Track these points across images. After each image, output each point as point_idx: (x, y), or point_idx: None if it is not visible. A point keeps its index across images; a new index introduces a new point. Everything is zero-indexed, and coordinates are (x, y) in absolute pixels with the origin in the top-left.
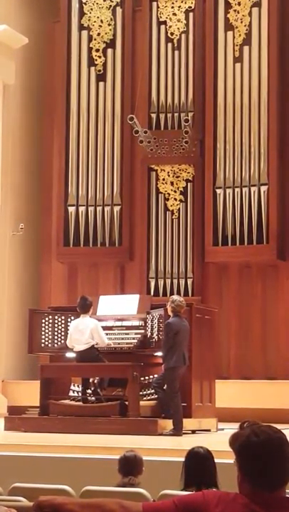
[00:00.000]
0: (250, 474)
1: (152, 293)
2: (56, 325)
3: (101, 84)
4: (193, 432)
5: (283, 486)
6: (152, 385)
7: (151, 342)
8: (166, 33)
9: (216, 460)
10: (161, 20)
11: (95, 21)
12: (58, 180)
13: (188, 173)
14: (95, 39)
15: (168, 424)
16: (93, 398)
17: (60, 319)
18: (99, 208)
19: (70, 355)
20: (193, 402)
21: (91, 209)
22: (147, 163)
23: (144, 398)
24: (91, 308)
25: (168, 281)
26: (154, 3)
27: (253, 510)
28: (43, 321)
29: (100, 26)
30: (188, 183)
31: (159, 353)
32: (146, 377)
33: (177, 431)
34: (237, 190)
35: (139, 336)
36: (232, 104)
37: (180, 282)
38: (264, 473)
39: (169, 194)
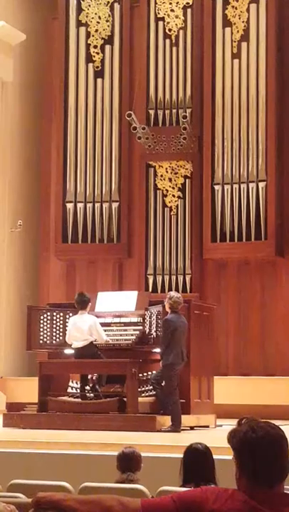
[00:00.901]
0: (248, 470)
1: (150, 289)
2: (55, 322)
3: (99, 80)
4: (192, 428)
5: (281, 482)
6: (150, 381)
7: (149, 338)
8: (164, 29)
9: (214, 456)
10: (159, 16)
11: (92, 18)
12: (56, 176)
13: (187, 169)
14: (92, 35)
15: (166, 420)
16: (92, 395)
17: (58, 316)
18: (97, 205)
19: (68, 351)
20: (192, 399)
21: (89, 206)
22: (145, 159)
23: (143, 395)
24: (89, 304)
25: (166, 277)
26: (152, 0)
27: (251, 506)
28: (42, 317)
29: (98, 23)
30: (187, 180)
31: (158, 350)
32: (145, 374)
33: (176, 427)
34: (235, 186)
35: (137, 332)
36: (230, 100)
37: (178, 279)
38: (262, 469)
39: (167, 190)
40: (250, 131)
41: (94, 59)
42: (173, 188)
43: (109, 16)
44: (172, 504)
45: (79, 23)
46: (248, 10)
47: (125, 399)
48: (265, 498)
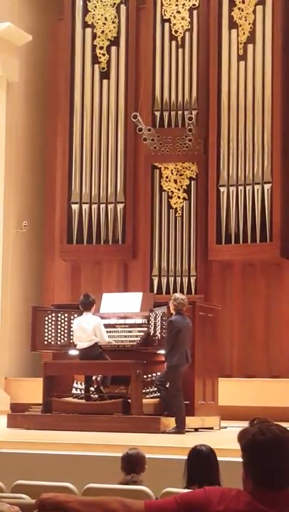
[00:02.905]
0: (254, 472)
1: (155, 291)
2: (59, 322)
3: (105, 82)
4: (196, 430)
5: (287, 485)
6: (155, 383)
7: (154, 340)
8: (170, 30)
9: (218, 458)
10: (165, 18)
11: (99, 19)
12: (61, 177)
13: (192, 171)
14: (98, 37)
15: (171, 422)
16: (96, 396)
17: (63, 317)
18: (102, 206)
19: (73, 352)
20: (196, 400)
21: (94, 207)
22: (151, 161)
23: (147, 396)
24: (93, 305)
25: (171, 279)
26: (158, 1)
27: (256, 507)
28: (46, 318)
29: (104, 24)
30: (192, 181)
31: (162, 351)
32: (149, 375)
33: (180, 429)
34: (241, 188)
35: (142, 333)
36: (236, 102)
37: (183, 280)
38: (268, 471)
39: (172, 192)
40: (255, 133)
41: (100, 60)
42: (178, 189)
43: (115, 17)
44: (176, 505)
45: (85, 24)
46: (254, 12)
47: (129, 400)
48: (270, 500)
